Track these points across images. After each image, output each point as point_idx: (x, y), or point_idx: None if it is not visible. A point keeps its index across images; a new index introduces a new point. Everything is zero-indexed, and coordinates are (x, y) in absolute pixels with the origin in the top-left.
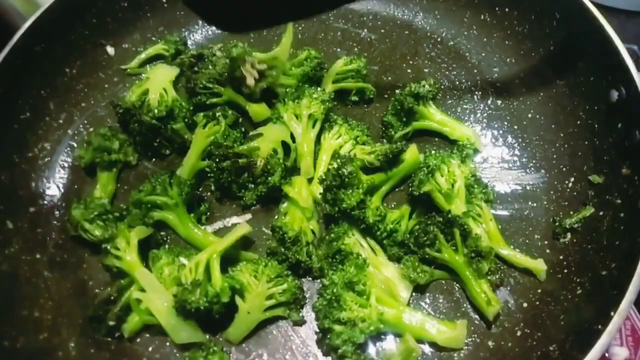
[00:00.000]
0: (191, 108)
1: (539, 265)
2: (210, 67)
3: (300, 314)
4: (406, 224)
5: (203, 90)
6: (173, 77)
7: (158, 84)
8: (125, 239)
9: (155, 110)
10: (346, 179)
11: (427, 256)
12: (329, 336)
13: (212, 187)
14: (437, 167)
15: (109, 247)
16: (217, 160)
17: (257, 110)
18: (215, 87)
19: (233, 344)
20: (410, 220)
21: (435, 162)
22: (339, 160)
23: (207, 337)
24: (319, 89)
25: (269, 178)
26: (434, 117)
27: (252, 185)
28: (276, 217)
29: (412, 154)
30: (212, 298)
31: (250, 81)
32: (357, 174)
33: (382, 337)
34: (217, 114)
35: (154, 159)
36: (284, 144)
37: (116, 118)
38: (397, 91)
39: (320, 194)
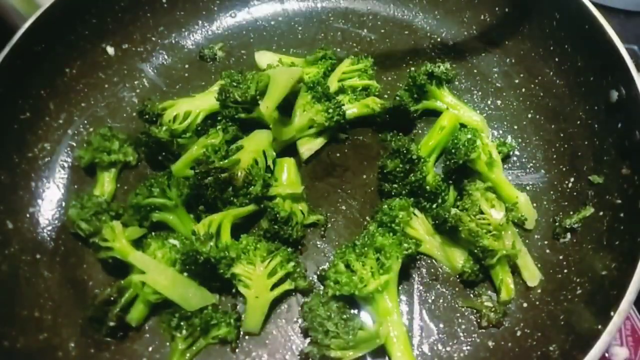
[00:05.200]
0: (219, 118)
1: (533, 276)
2: (249, 83)
3: (307, 281)
4: (452, 200)
5: (234, 105)
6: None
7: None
8: (111, 229)
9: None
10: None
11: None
12: (326, 270)
13: (200, 207)
14: (474, 138)
15: (97, 240)
16: (199, 177)
17: (282, 129)
18: (247, 104)
19: (254, 333)
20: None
21: (471, 135)
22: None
23: (217, 297)
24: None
25: (250, 189)
26: (445, 98)
27: (235, 200)
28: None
29: (449, 118)
30: (222, 251)
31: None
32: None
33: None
34: (218, 127)
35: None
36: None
37: (116, 118)
38: (412, 68)
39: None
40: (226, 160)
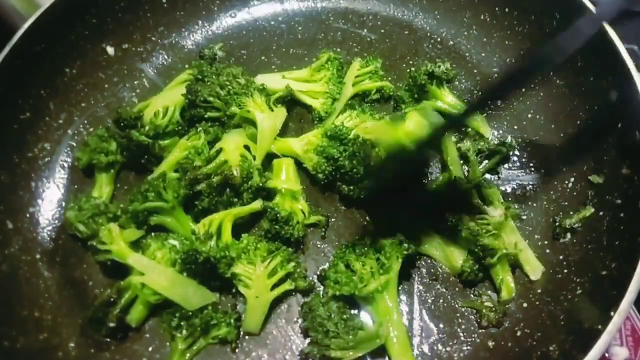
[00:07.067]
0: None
1: (535, 269)
2: (214, 77)
3: (307, 281)
4: None
5: (203, 104)
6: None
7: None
8: (108, 231)
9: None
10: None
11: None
12: (326, 270)
13: (199, 207)
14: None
15: (94, 243)
16: (190, 186)
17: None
18: (216, 102)
19: (254, 333)
20: None
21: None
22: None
23: (217, 295)
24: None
25: (250, 182)
26: (445, 98)
27: (237, 200)
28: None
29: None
30: (222, 250)
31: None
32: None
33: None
34: (199, 129)
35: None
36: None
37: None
38: (413, 68)
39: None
40: (212, 164)
